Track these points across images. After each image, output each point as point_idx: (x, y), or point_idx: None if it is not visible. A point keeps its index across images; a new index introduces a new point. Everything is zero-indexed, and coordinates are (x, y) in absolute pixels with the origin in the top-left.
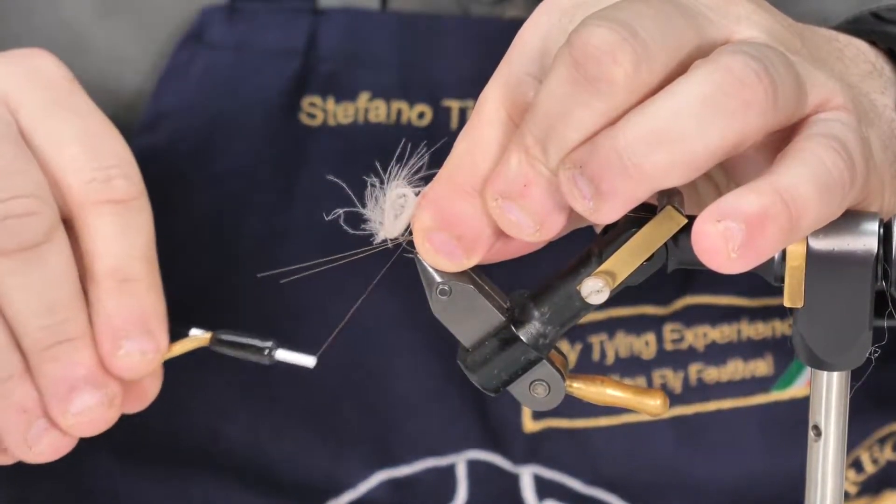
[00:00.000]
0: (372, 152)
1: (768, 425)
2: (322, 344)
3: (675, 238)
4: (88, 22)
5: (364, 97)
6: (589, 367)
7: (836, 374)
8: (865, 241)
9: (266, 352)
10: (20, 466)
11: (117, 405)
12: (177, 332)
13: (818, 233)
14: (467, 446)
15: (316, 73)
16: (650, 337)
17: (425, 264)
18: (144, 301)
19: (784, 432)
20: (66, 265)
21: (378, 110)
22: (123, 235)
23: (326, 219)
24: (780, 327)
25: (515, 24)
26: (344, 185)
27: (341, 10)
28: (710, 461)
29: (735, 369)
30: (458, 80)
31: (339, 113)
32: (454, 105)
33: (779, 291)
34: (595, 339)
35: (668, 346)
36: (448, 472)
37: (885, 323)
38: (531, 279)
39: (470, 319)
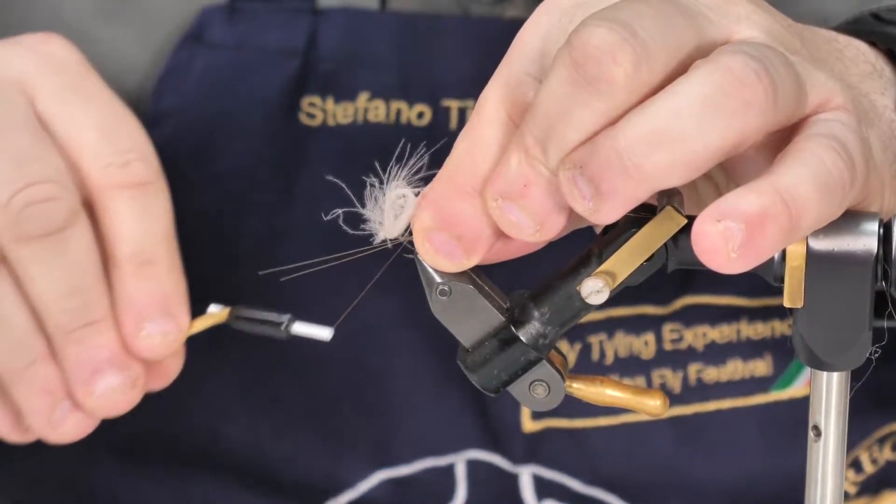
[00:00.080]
0: (371, 152)
1: (768, 425)
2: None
3: (675, 238)
4: (89, 22)
5: (363, 97)
6: (588, 367)
7: (836, 375)
8: (865, 241)
9: (283, 326)
10: (20, 466)
11: (140, 386)
12: (195, 310)
13: (818, 233)
14: (467, 446)
15: (315, 72)
16: (649, 337)
17: (425, 264)
18: (165, 283)
19: (783, 432)
20: (88, 249)
21: (377, 110)
22: (143, 218)
23: (326, 219)
24: (779, 327)
25: (515, 24)
26: (343, 186)
27: (341, 10)
28: (709, 461)
29: (734, 369)
30: (458, 80)
31: (339, 113)
32: (453, 105)
33: (778, 291)
34: (594, 339)
35: (668, 346)
36: (447, 472)
37: (885, 323)
38: (531, 279)
39: (470, 320)
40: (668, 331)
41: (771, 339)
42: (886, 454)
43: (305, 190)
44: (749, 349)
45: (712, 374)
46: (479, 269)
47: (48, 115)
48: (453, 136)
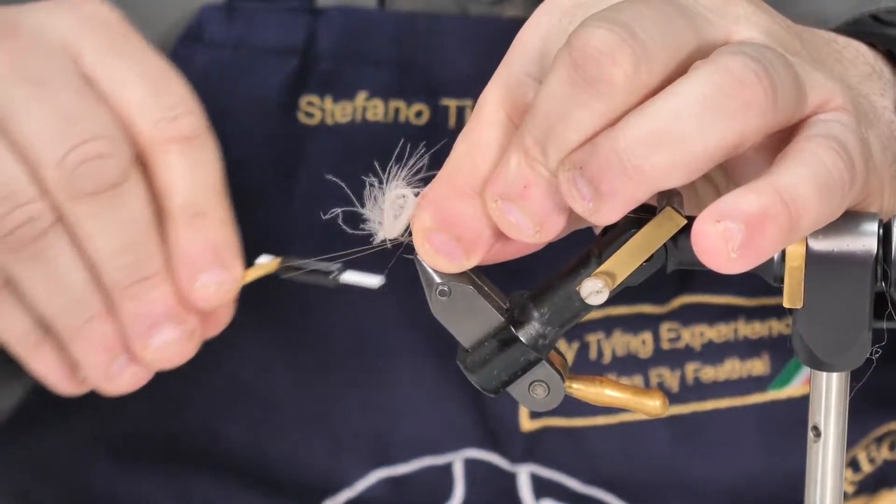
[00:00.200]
0: (370, 151)
1: (765, 424)
2: (321, 340)
3: (674, 239)
4: None
5: (362, 96)
6: (586, 366)
7: (835, 375)
8: (865, 241)
9: (332, 275)
10: (20, 466)
11: (196, 338)
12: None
13: (818, 233)
14: (465, 445)
15: (314, 71)
16: (647, 336)
17: (425, 265)
18: (218, 234)
19: (781, 431)
20: (142, 205)
21: (376, 109)
22: (193, 171)
23: (325, 218)
24: (776, 327)
25: (514, 24)
26: (343, 185)
27: (339, 9)
28: (707, 460)
29: (732, 368)
30: (456, 80)
31: (337, 112)
32: (452, 104)
33: (775, 291)
34: (592, 338)
35: (665, 346)
36: (445, 471)
37: (885, 324)
38: (531, 279)
39: (469, 320)
40: (666, 330)
41: (768, 338)
42: (884, 453)
43: (304, 189)
44: (746, 348)
45: (710, 373)
46: (479, 270)
47: (94, 73)
48: (452, 135)
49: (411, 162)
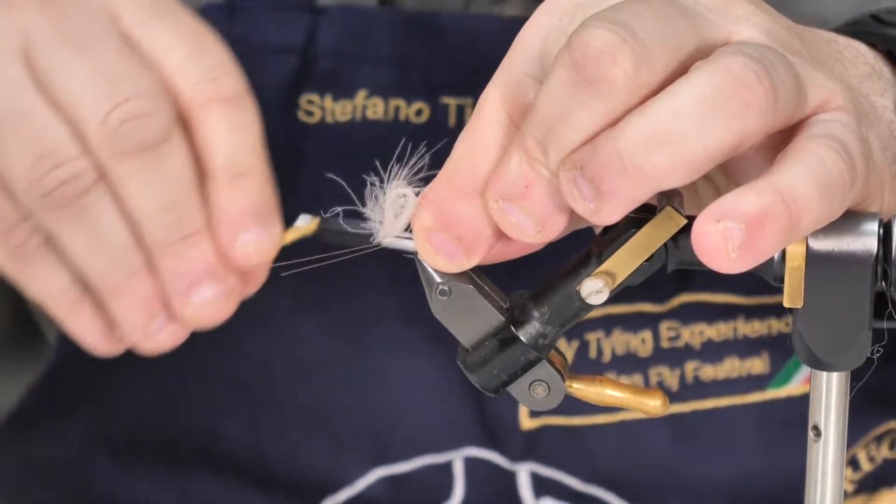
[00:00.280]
0: (370, 150)
1: (765, 423)
2: (321, 339)
3: (674, 238)
4: None
5: (362, 94)
6: (585, 365)
7: (835, 375)
8: (865, 241)
9: (372, 238)
10: (20, 466)
11: (235, 297)
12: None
13: (818, 233)
14: (464, 443)
15: (314, 70)
16: (647, 334)
17: (425, 264)
18: (259, 193)
19: (781, 430)
20: (184, 164)
21: (376, 107)
22: (234, 132)
23: (325, 216)
24: (776, 325)
25: (514, 23)
26: (344, 184)
27: (339, 8)
28: (706, 459)
29: (731, 367)
30: (457, 78)
31: (338, 110)
32: (452, 102)
33: (774, 289)
34: (592, 337)
35: (665, 344)
36: (445, 470)
37: (885, 324)
38: (531, 279)
39: (470, 320)
40: (666, 329)
41: (768, 336)
42: (884, 452)
43: (304, 187)
44: (746, 347)
45: (709, 372)
46: (479, 270)
47: (134, 35)
48: (452, 133)
49: (412, 161)
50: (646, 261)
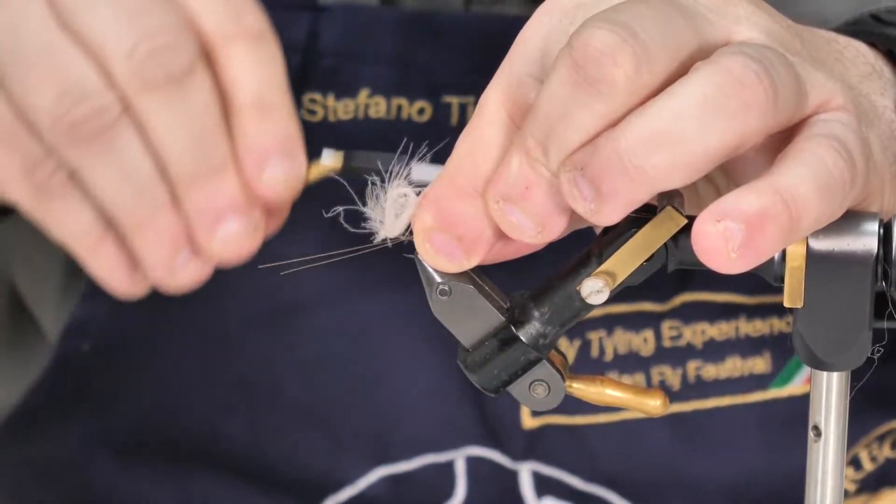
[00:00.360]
0: (372, 148)
1: (766, 422)
2: (322, 338)
3: (675, 238)
4: None
5: (364, 93)
6: (587, 364)
7: (835, 375)
8: (865, 241)
9: (398, 169)
10: (20, 466)
11: (260, 231)
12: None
13: (818, 233)
14: (466, 442)
15: (316, 69)
16: (648, 334)
17: (425, 264)
18: (284, 126)
19: (782, 430)
20: (209, 96)
21: (378, 106)
22: (259, 67)
23: (326, 216)
24: (778, 325)
25: (516, 21)
26: (345, 184)
27: (341, 7)
28: (708, 458)
29: (733, 366)
30: (459, 77)
31: (340, 109)
32: (454, 101)
33: (777, 289)
34: (594, 336)
35: (667, 343)
36: (447, 469)
37: (885, 324)
38: (531, 279)
39: (470, 320)
40: (667, 328)
41: (770, 336)
42: (886, 452)
43: (306, 186)
44: (748, 346)
45: (711, 371)
46: (480, 269)
47: None
48: (454, 132)
49: (414, 160)
50: (646, 261)
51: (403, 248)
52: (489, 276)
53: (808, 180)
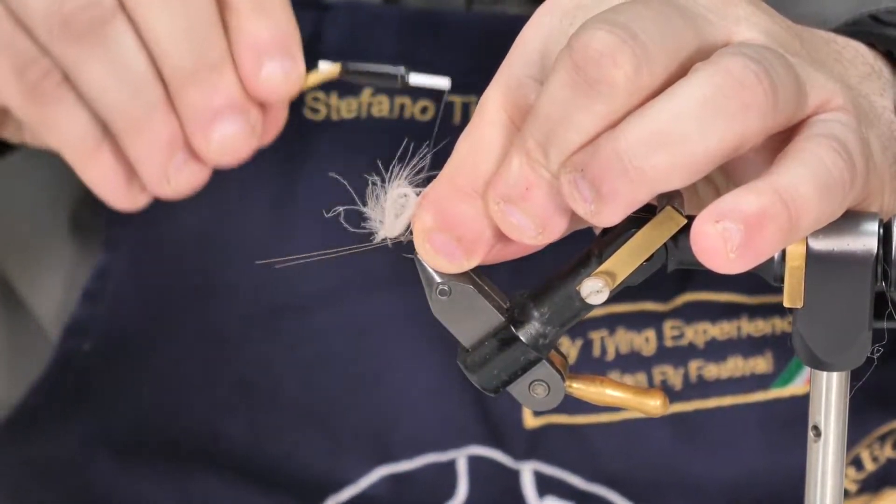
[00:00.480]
0: (375, 147)
1: (768, 422)
2: (323, 338)
3: (674, 238)
4: None
5: (367, 92)
6: (589, 363)
7: (835, 375)
8: (865, 241)
9: (398, 78)
10: (20, 466)
11: (258, 132)
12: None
13: (818, 233)
14: (468, 442)
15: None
16: (650, 333)
17: (425, 264)
18: (282, 24)
19: (784, 430)
20: None
21: (381, 105)
22: None
23: (327, 216)
24: (780, 324)
25: (517, 21)
26: (346, 184)
27: (345, 5)
28: (709, 458)
29: (735, 366)
30: (461, 76)
31: (343, 108)
32: (457, 100)
33: (779, 289)
34: (595, 336)
35: (669, 343)
36: (448, 468)
37: (885, 324)
38: (531, 279)
39: (469, 320)
40: (669, 327)
41: (771, 336)
42: (887, 452)
43: (308, 185)
44: (750, 346)
45: (713, 370)
46: (479, 269)
47: None
48: (457, 131)
49: (414, 161)
50: (646, 261)
51: (403, 248)
52: (489, 275)
53: (807, 180)
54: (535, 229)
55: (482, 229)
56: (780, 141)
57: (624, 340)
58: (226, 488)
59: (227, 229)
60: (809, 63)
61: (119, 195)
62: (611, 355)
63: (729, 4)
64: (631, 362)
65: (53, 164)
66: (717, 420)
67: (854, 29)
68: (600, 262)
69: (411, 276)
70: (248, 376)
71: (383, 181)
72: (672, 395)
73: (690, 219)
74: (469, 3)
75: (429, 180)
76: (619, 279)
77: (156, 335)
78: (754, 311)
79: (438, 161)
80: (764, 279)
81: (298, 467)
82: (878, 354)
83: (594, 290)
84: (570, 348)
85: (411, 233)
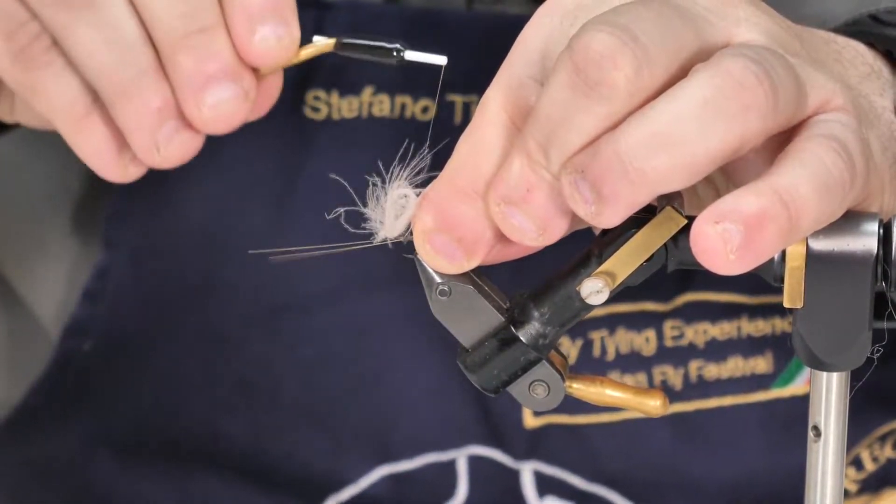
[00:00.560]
0: (376, 147)
1: (768, 422)
2: (323, 338)
3: (674, 238)
4: None
5: (368, 91)
6: (589, 363)
7: (835, 375)
8: (865, 241)
9: (394, 52)
10: (20, 467)
11: (251, 99)
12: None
13: (818, 233)
14: (468, 442)
15: (321, 66)
16: (650, 333)
17: (425, 265)
18: None
19: (784, 430)
20: None
21: (382, 104)
22: None
23: (328, 217)
24: (780, 324)
25: (518, 20)
26: (346, 184)
27: (347, 4)
28: (709, 458)
29: (735, 366)
30: (462, 75)
31: (344, 107)
32: (458, 100)
33: (779, 289)
34: (596, 336)
35: (669, 343)
36: (449, 468)
37: (885, 325)
38: (531, 279)
39: (470, 320)
40: (670, 327)
41: (772, 336)
42: (887, 452)
43: (309, 184)
44: (750, 346)
45: (713, 370)
46: (480, 270)
47: None
48: (458, 130)
49: (415, 161)
50: (646, 261)
51: (403, 249)
52: (489, 275)
53: (807, 181)
54: (535, 231)
55: (482, 230)
56: (781, 141)
57: (624, 340)
58: (226, 488)
59: (228, 229)
60: (809, 63)
61: (109, 165)
62: (611, 355)
63: (729, 5)
64: (631, 362)
65: (54, 164)
66: (718, 420)
67: (854, 29)
68: (600, 263)
69: (411, 276)
70: (248, 376)
71: (383, 181)
72: (672, 395)
73: (690, 219)
74: (470, 3)
75: (429, 181)
76: (619, 279)
77: (156, 335)
78: (754, 312)
79: (439, 161)
80: (764, 279)
81: (299, 467)
82: (878, 354)
83: (594, 290)
84: (570, 348)
85: (411, 233)
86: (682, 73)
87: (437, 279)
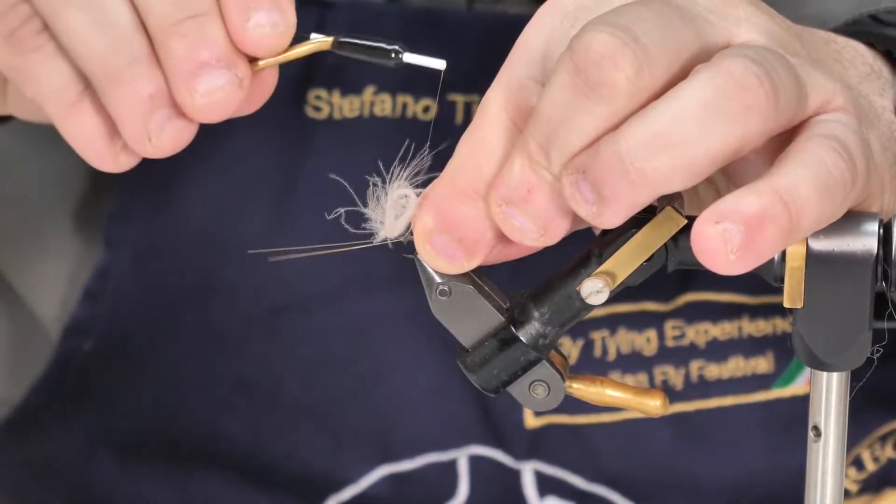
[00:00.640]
0: (377, 146)
1: (769, 423)
2: (323, 338)
3: (675, 239)
4: None
5: (370, 91)
6: (590, 364)
7: (835, 375)
8: (865, 241)
9: (393, 54)
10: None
11: (246, 87)
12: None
13: (818, 233)
14: (469, 442)
15: (322, 65)
16: (651, 333)
17: (425, 265)
18: None
19: (785, 430)
20: None
21: (384, 104)
22: None
23: (329, 217)
24: (781, 325)
25: (519, 20)
26: (346, 184)
27: (348, 3)
28: (710, 458)
29: (736, 366)
30: (464, 75)
31: (345, 106)
32: (459, 99)
33: (779, 289)
34: (596, 336)
35: (670, 343)
36: (449, 468)
37: (885, 325)
38: (531, 279)
39: (470, 320)
40: (670, 327)
41: (773, 336)
42: (888, 452)
43: (310, 183)
44: (751, 346)
45: (714, 370)
46: (480, 270)
47: None
48: (459, 130)
49: (415, 161)
50: (646, 261)
51: (403, 249)
52: (489, 275)
53: (807, 181)
54: (536, 231)
55: (483, 231)
56: (781, 142)
57: (625, 340)
58: (226, 488)
59: (228, 229)
60: (809, 63)
61: (100, 153)
62: (612, 355)
63: (729, 5)
64: (632, 362)
65: (55, 164)
66: (718, 420)
67: (854, 29)
68: (600, 263)
69: (411, 276)
70: (248, 376)
71: (384, 181)
72: (673, 395)
73: (691, 219)
74: (470, 3)
75: (429, 181)
76: (620, 279)
77: (156, 335)
78: (755, 312)
79: (440, 161)
80: (764, 279)
81: (299, 467)
82: (878, 354)
83: (594, 290)
84: (570, 348)
85: (411, 233)
86: (682, 74)
87: (438, 279)
